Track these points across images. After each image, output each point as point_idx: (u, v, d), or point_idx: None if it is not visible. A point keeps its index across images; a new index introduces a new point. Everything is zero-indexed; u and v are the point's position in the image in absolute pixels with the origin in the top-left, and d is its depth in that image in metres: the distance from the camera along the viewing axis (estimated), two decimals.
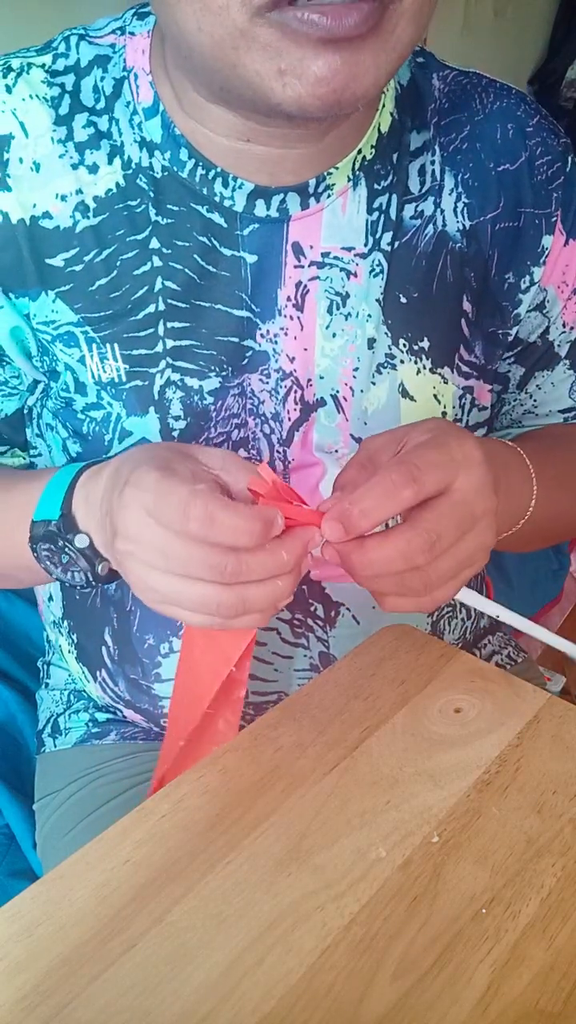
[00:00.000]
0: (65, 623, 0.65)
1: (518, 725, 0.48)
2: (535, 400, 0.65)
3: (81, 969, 0.35)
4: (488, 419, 0.62)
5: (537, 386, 0.64)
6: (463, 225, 0.55)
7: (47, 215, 0.50)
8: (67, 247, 0.50)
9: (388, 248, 0.53)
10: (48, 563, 0.48)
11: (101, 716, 0.67)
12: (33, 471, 0.59)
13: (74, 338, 0.52)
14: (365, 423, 0.56)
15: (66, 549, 0.47)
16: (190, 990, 0.35)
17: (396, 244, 0.54)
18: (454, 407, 0.58)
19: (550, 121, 0.57)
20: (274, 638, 0.61)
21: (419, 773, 0.44)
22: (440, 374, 0.56)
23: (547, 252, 0.57)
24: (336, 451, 0.56)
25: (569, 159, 0.57)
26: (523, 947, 0.37)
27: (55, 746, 0.67)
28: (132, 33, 0.51)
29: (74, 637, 0.64)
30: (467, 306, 0.56)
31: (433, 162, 0.54)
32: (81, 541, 0.46)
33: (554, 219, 0.57)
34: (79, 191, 0.50)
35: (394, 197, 0.53)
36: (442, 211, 0.54)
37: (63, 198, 0.50)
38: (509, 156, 0.55)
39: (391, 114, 0.53)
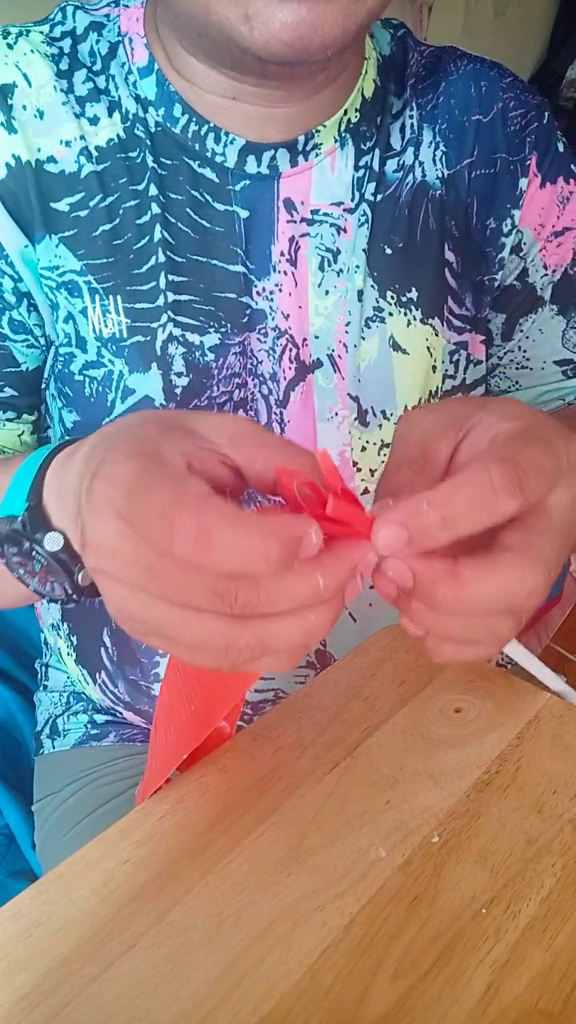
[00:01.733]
0: (64, 625, 0.65)
1: (518, 725, 0.48)
2: (525, 352, 0.64)
3: (81, 969, 0.35)
4: (484, 375, 0.62)
5: (524, 335, 0.63)
6: (442, 173, 0.56)
7: (52, 159, 0.51)
8: (71, 191, 0.51)
9: (371, 199, 0.55)
10: (20, 571, 0.38)
11: (100, 718, 0.67)
12: (6, 458, 0.52)
13: (77, 287, 0.52)
14: (359, 380, 0.56)
15: (35, 553, 0.37)
16: (190, 990, 0.35)
17: (379, 196, 0.55)
18: (444, 362, 0.58)
19: (523, 83, 0.59)
20: None
21: (419, 773, 0.44)
22: (431, 325, 0.57)
23: (524, 194, 0.58)
24: (336, 414, 0.56)
25: (545, 113, 0.59)
26: (523, 947, 0.36)
27: (53, 748, 0.67)
28: (126, 5, 0.53)
29: (73, 639, 0.64)
30: (450, 256, 0.57)
31: (411, 118, 0.56)
32: (52, 542, 0.37)
33: (528, 162, 0.58)
34: (82, 137, 0.51)
35: (376, 154, 0.55)
36: (421, 162, 0.56)
37: (67, 144, 0.51)
38: (482, 108, 0.57)
39: (374, 80, 0.55)
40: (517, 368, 0.65)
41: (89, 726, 0.67)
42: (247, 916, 0.37)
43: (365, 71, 0.55)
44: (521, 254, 0.60)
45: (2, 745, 0.76)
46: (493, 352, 0.64)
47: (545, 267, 0.61)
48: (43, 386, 0.58)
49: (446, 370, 0.58)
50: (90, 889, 0.38)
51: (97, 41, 0.52)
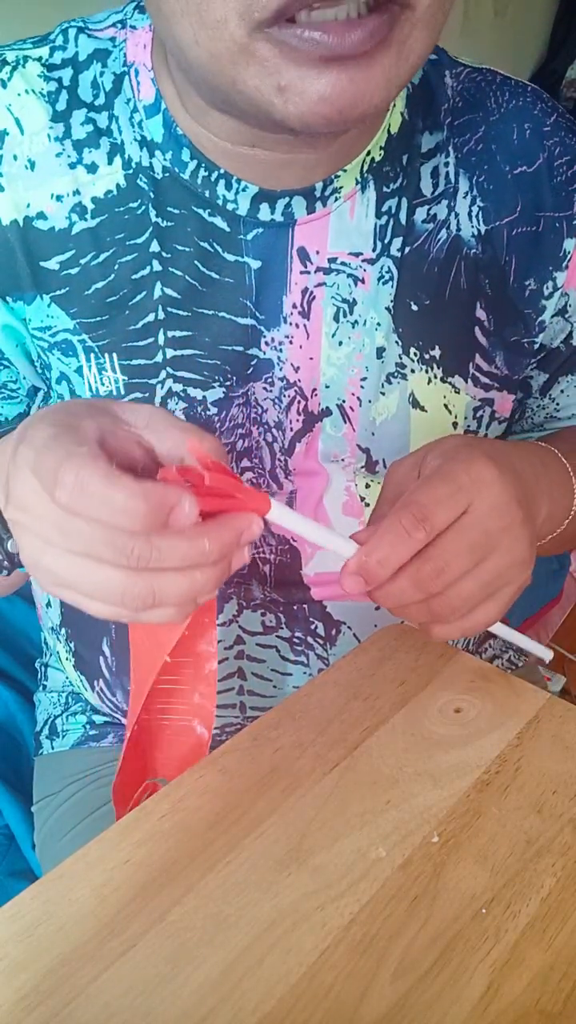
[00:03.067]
0: (63, 631, 0.64)
1: (518, 725, 0.48)
2: (558, 404, 0.63)
3: (81, 969, 0.35)
4: (506, 431, 0.61)
5: (561, 391, 0.62)
6: (478, 230, 0.53)
7: (41, 215, 0.48)
8: (62, 249, 0.49)
9: (398, 254, 0.51)
10: None
11: (99, 718, 0.67)
12: None
13: (71, 347, 0.51)
14: (373, 433, 0.55)
15: None
16: (190, 990, 0.35)
17: (407, 249, 0.52)
18: (467, 418, 0.56)
19: (567, 119, 0.55)
20: (273, 655, 0.60)
21: (419, 773, 0.44)
22: (451, 383, 0.55)
23: (569, 256, 0.55)
24: (343, 460, 0.55)
25: None
26: (523, 947, 0.36)
27: (52, 748, 0.67)
28: (133, 27, 0.49)
29: (72, 645, 0.64)
30: (481, 314, 0.54)
31: (447, 164, 0.52)
32: None
33: (572, 240, 0.54)
34: (76, 192, 0.48)
35: (404, 200, 0.51)
36: (456, 215, 0.52)
37: (59, 199, 0.48)
38: (526, 158, 0.53)
39: (401, 114, 0.51)
40: (546, 417, 0.64)
41: (88, 727, 0.67)
42: (247, 916, 0.37)
43: (394, 104, 0.50)
44: (567, 316, 0.57)
45: (2, 745, 0.76)
46: (529, 403, 0.63)
47: None
48: None
49: (467, 426, 0.57)
50: (90, 889, 0.38)
51: (101, 73, 0.49)
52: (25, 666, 0.81)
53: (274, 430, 0.54)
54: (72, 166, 0.48)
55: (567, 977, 0.35)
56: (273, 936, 0.36)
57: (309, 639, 0.60)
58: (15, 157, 0.48)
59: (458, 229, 0.52)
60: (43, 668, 0.73)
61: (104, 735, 0.66)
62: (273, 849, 0.40)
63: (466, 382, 0.55)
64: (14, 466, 0.34)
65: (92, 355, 0.51)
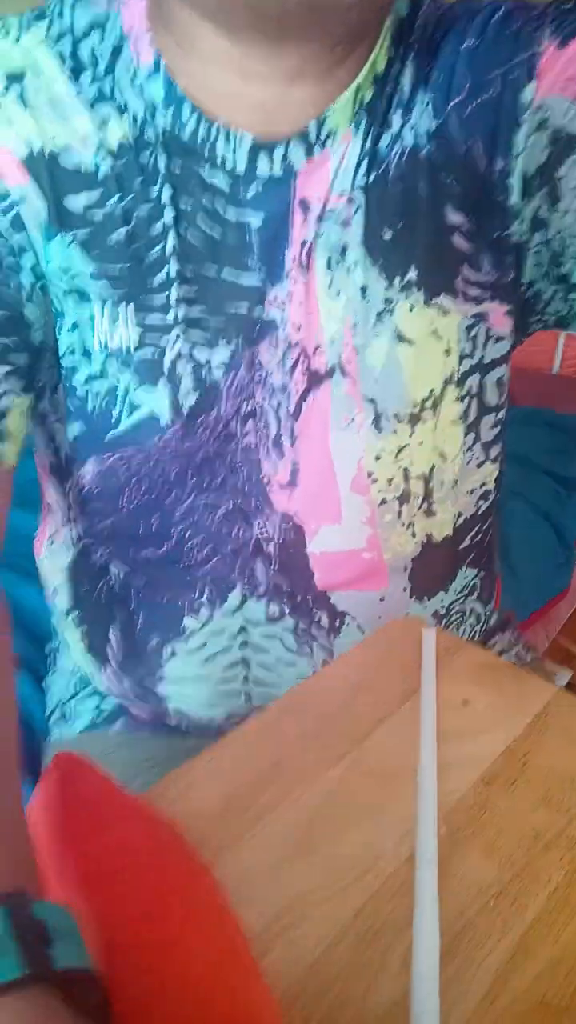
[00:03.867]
0: (72, 614, 0.65)
1: (526, 718, 0.48)
2: None
3: None
4: (509, 351, 0.56)
5: (567, 189, 0.50)
6: (429, 128, 0.49)
7: (68, 151, 0.48)
8: (89, 189, 0.48)
9: (364, 181, 0.49)
10: None
11: (108, 703, 0.67)
12: None
13: (87, 293, 0.50)
14: (375, 381, 0.53)
15: None
16: None
17: (370, 177, 0.49)
18: (460, 341, 0.53)
19: (540, 4, 0.50)
20: (277, 645, 0.60)
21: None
22: (438, 305, 0.52)
23: (529, 104, 0.48)
24: (352, 420, 0.53)
25: (555, 5, 0.49)
26: (530, 941, 0.36)
27: (62, 734, 0.67)
28: None
29: (82, 629, 0.64)
30: (456, 218, 0.51)
31: (405, 84, 0.50)
32: None
33: (536, 49, 0.48)
34: (99, 131, 0.48)
35: (372, 132, 0.49)
36: (412, 126, 0.50)
37: (83, 138, 0.48)
38: (475, 31, 0.49)
39: (387, 50, 0.49)
40: None
41: (97, 712, 0.67)
42: (253, 907, 0.37)
43: (381, 42, 0.49)
44: (545, 124, 0.49)
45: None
46: (553, 227, 0.51)
47: None
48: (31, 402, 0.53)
49: (463, 350, 0.54)
50: None
51: (100, 41, 0.49)
52: (38, 650, 0.81)
53: (279, 394, 0.53)
54: (91, 108, 0.48)
55: (574, 971, 0.35)
56: (279, 927, 0.36)
57: (312, 629, 0.60)
58: (37, 92, 0.48)
59: (414, 137, 0.50)
60: (53, 652, 0.73)
61: (114, 719, 0.66)
62: (279, 841, 0.40)
63: (455, 298, 0.52)
64: None
65: (108, 305, 0.50)
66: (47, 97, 0.48)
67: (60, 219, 0.49)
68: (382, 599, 0.60)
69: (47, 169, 0.48)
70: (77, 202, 0.49)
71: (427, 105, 0.50)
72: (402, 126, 0.50)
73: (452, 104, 0.49)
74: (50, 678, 0.73)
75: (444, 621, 0.64)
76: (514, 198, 0.51)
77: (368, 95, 0.49)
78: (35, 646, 0.81)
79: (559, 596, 1.25)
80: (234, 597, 0.59)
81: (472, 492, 0.60)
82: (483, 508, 0.62)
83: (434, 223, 0.51)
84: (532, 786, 0.43)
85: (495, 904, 0.38)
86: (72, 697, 0.68)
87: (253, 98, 0.47)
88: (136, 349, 0.51)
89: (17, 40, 0.48)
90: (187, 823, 0.41)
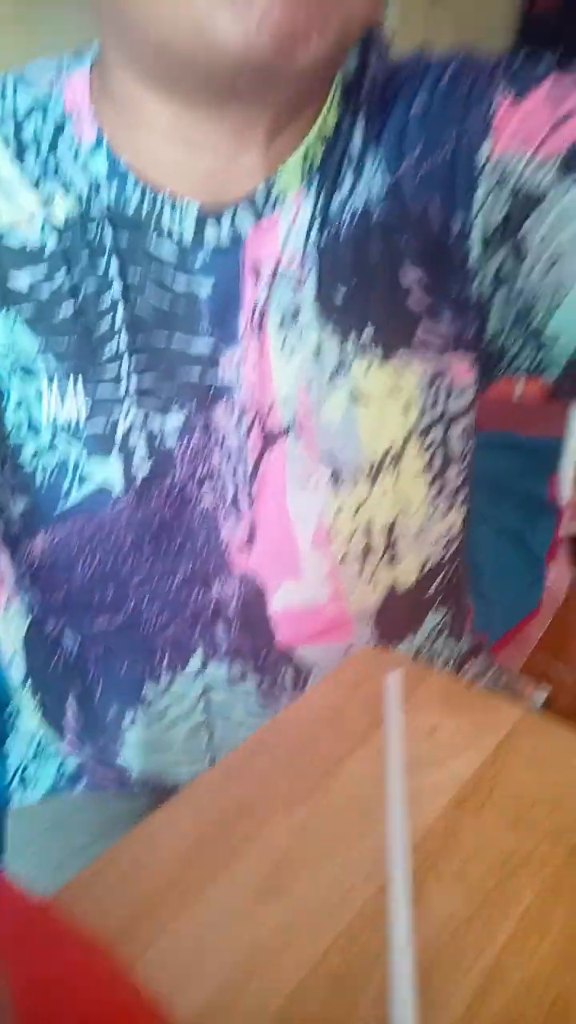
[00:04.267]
0: (27, 684, 0.63)
1: (493, 741, 0.48)
2: (549, 243, 0.48)
3: None
4: (473, 401, 0.56)
5: (540, 237, 0.48)
6: (382, 188, 0.49)
7: (13, 229, 0.49)
8: (34, 265, 0.49)
9: (316, 242, 0.49)
10: None
11: (69, 765, 0.65)
12: None
13: (34, 369, 0.50)
14: (329, 440, 0.53)
15: None
16: None
17: (322, 238, 0.49)
18: (421, 395, 0.53)
19: (472, 53, 0.51)
20: (240, 707, 0.60)
21: None
22: (396, 361, 0.52)
23: (483, 164, 0.48)
24: (310, 478, 0.54)
25: (511, 58, 0.49)
26: (504, 962, 0.37)
27: (23, 800, 0.66)
28: (70, 73, 0.50)
29: (37, 698, 0.63)
30: (414, 274, 0.50)
31: (355, 145, 0.50)
32: None
33: (490, 107, 0.48)
34: (44, 208, 0.49)
35: (324, 192, 0.49)
36: (365, 186, 0.49)
37: (29, 216, 0.49)
38: (427, 90, 0.49)
39: (337, 107, 0.49)
40: (551, 265, 0.49)
41: (59, 776, 0.65)
42: (224, 949, 0.37)
43: (330, 101, 0.49)
44: (503, 180, 0.48)
45: None
46: (519, 283, 0.51)
47: (544, 160, 0.47)
48: None
49: (424, 403, 0.53)
50: None
51: (43, 122, 0.49)
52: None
53: (235, 456, 0.53)
54: (35, 187, 0.49)
55: (548, 988, 0.36)
56: (251, 966, 0.36)
57: (276, 690, 0.59)
58: None
59: (368, 197, 0.49)
60: (11, 716, 0.72)
61: (76, 781, 0.64)
62: (248, 881, 0.40)
63: (414, 354, 0.52)
64: None
65: (56, 379, 0.50)
66: None
67: (4, 298, 0.49)
68: (348, 649, 0.59)
69: None
70: (22, 280, 0.49)
71: (379, 164, 0.49)
72: (353, 185, 0.49)
73: (405, 164, 0.49)
74: (9, 743, 0.71)
75: (416, 653, 0.64)
76: (474, 257, 0.50)
77: (318, 155, 0.49)
78: None
79: (530, 615, 1.26)
80: (195, 660, 0.58)
81: (439, 539, 0.60)
82: (450, 552, 0.62)
83: (389, 283, 0.50)
84: (500, 810, 0.44)
85: (467, 930, 0.38)
86: (32, 759, 0.67)
87: (199, 167, 0.47)
88: (86, 421, 0.51)
89: None
90: (154, 870, 0.41)
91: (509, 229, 0.49)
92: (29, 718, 0.66)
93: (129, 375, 0.51)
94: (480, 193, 0.49)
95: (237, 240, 0.49)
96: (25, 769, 0.67)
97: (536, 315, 0.50)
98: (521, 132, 0.48)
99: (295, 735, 0.48)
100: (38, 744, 0.68)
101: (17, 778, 0.68)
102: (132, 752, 0.61)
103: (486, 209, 0.49)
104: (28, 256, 0.49)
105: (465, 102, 0.48)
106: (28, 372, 0.51)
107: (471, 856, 0.41)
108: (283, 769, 0.46)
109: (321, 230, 0.50)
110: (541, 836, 0.42)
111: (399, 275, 0.51)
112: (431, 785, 0.45)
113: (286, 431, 0.53)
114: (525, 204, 0.48)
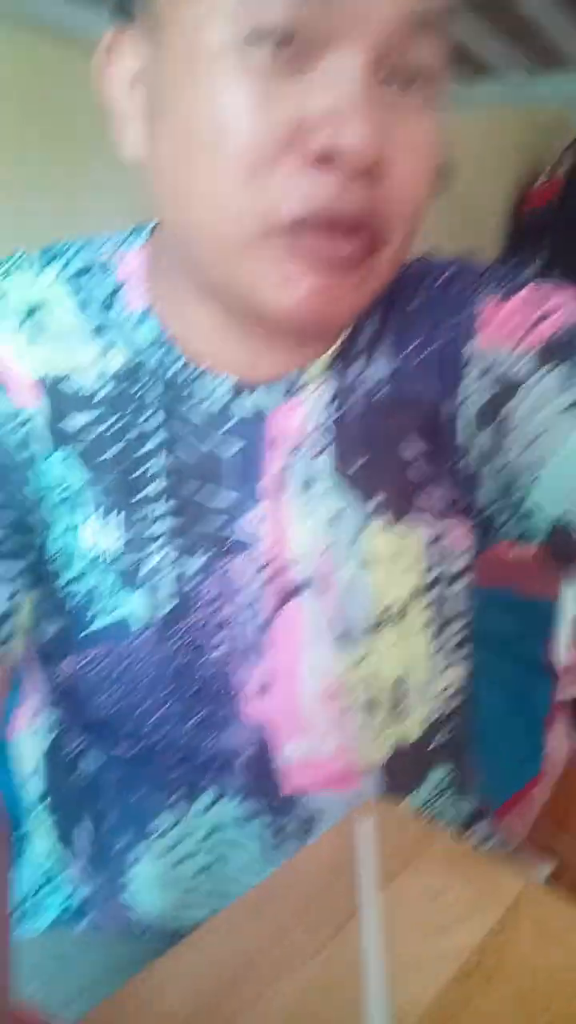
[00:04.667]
0: (45, 801, 0.64)
1: (498, 911, 0.47)
2: (524, 425, 0.53)
3: None
4: (469, 565, 0.61)
5: (519, 418, 0.53)
6: (387, 372, 0.56)
7: (72, 375, 0.54)
8: (88, 410, 0.54)
9: (336, 416, 0.55)
10: None
11: (75, 899, 0.64)
12: None
13: (81, 499, 0.54)
14: (343, 597, 0.56)
15: None
16: None
17: (341, 412, 0.55)
18: (425, 556, 0.58)
19: (473, 264, 0.58)
20: (258, 843, 0.60)
21: (400, 961, 0.43)
22: (403, 525, 0.57)
23: (469, 359, 0.55)
24: (323, 634, 0.56)
25: (492, 269, 0.57)
26: None
27: (25, 931, 0.64)
28: (127, 248, 0.56)
29: (53, 818, 0.63)
30: (416, 447, 0.56)
31: (370, 337, 0.57)
32: None
33: (479, 306, 0.55)
34: (98, 361, 0.54)
35: (342, 373, 0.56)
36: (374, 370, 0.56)
37: (87, 365, 0.54)
38: (423, 293, 0.57)
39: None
40: (530, 443, 0.53)
41: (64, 909, 0.64)
42: None
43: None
44: (486, 372, 0.55)
45: None
46: (501, 458, 0.56)
47: (523, 352, 0.53)
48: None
49: (428, 563, 0.58)
50: None
51: (99, 285, 0.55)
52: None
53: (249, 609, 0.56)
54: (95, 337, 0.55)
55: None
56: None
57: (285, 833, 0.60)
58: (49, 323, 0.54)
59: (376, 380, 0.56)
60: (20, 841, 0.71)
61: (80, 917, 0.63)
62: None
63: (419, 518, 0.57)
64: None
65: (102, 510, 0.54)
66: (57, 328, 0.54)
67: (60, 437, 0.54)
68: (355, 799, 0.60)
69: (52, 393, 0.54)
70: (77, 421, 0.54)
71: (385, 350, 0.57)
72: (363, 368, 0.56)
73: (406, 352, 0.56)
74: (18, 869, 0.70)
75: (423, 804, 0.64)
76: (463, 435, 0.56)
77: (339, 352, 0.56)
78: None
79: (533, 782, 1.24)
80: (206, 797, 0.59)
81: (442, 694, 0.62)
82: (453, 706, 0.64)
83: (394, 455, 0.56)
84: (508, 984, 0.43)
85: None
86: (37, 891, 0.66)
87: (236, 354, 0.53)
88: (121, 554, 0.54)
89: (38, 275, 0.56)
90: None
91: (492, 412, 0.55)
92: (41, 841, 0.66)
93: (163, 517, 0.55)
94: (466, 382, 0.55)
95: (261, 415, 0.55)
96: (30, 899, 0.66)
97: (519, 488, 0.55)
98: (504, 329, 0.54)
99: (300, 890, 0.48)
100: (45, 874, 0.67)
101: (21, 908, 0.66)
102: (138, 887, 0.60)
103: (472, 397, 0.55)
104: (83, 400, 0.54)
105: (457, 302, 0.56)
106: (73, 504, 0.55)
107: None
108: (293, 921, 0.45)
109: (338, 407, 0.56)
110: (551, 1017, 0.41)
111: (401, 449, 0.56)
112: (436, 954, 0.44)
113: (301, 588, 0.56)
114: (506, 390, 0.54)
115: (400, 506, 0.56)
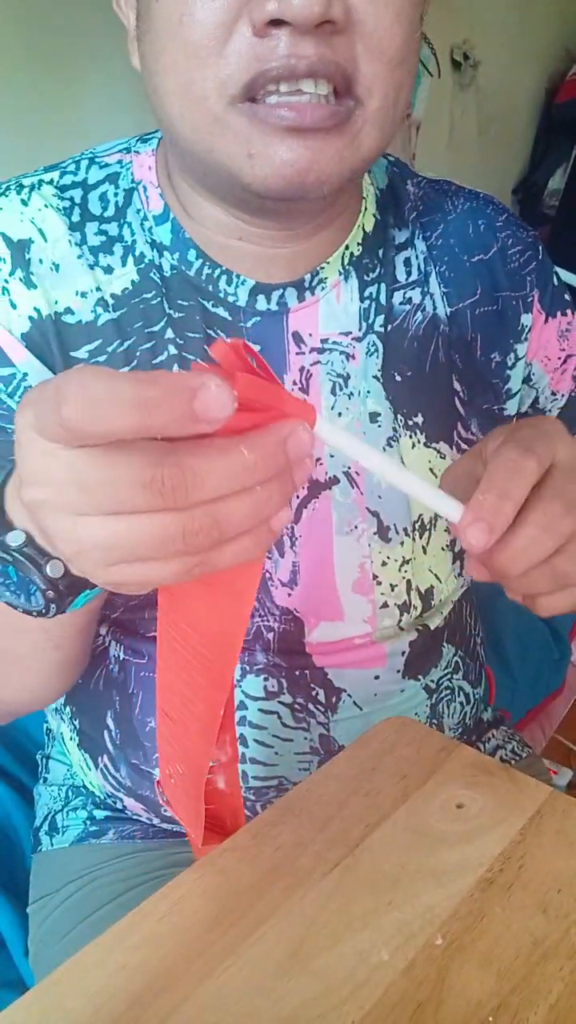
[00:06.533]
0: (67, 708, 0.65)
1: (520, 821, 0.47)
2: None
3: None
4: None
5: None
6: (445, 312, 0.60)
7: (69, 311, 0.53)
8: (90, 339, 0.53)
9: (381, 330, 0.57)
10: None
11: (99, 813, 0.66)
12: None
13: None
14: (379, 496, 0.58)
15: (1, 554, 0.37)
16: None
17: (389, 327, 0.58)
18: None
19: (516, 217, 0.64)
20: (275, 722, 0.61)
21: (421, 871, 0.44)
22: (436, 448, 0.60)
23: (527, 329, 0.62)
24: (355, 527, 0.58)
25: (540, 247, 0.63)
26: None
27: (52, 845, 0.66)
28: (137, 152, 0.56)
29: (76, 723, 0.64)
30: (457, 386, 0.60)
31: (417, 256, 0.60)
32: (15, 538, 0.37)
33: (530, 299, 0.62)
34: (98, 288, 0.53)
35: (383, 286, 0.58)
36: (432, 297, 0.59)
37: (83, 295, 0.53)
38: (482, 248, 0.61)
39: (374, 215, 0.59)
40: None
41: (88, 822, 0.65)
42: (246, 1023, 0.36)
43: (365, 207, 0.58)
44: (532, 383, 0.64)
45: None
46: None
47: (554, 393, 0.66)
48: None
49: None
50: (85, 998, 0.37)
51: (114, 192, 0.54)
52: (24, 762, 0.80)
53: None
54: (91, 267, 0.53)
55: None
56: None
57: (310, 706, 0.61)
58: (41, 261, 0.53)
59: (433, 310, 0.59)
60: (44, 760, 0.72)
61: (104, 831, 0.65)
62: (273, 953, 0.39)
63: (450, 448, 0.60)
64: (18, 446, 0.30)
65: None
66: (51, 262, 0.53)
67: (70, 366, 0.53)
68: (376, 677, 0.62)
69: (53, 329, 0.52)
70: (82, 352, 0.53)
71: (442, 291, 0.60)
72: (423, 298, 0.59)
73: (468, 301, 0.60)
74: (40, 787, 0.72)
75: (435, 696, 0.65)
76: (511, 383, 0.62)
77: (357, 251, 0.57)
78: (22, 758, 0.80)
79: (554, 694, 1.24)
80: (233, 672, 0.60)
81: (459, 597, 0.66)
82: (468, 606, 0.68)
83: (442, 385, 0.59)
84: (529, 892, 0.43)
85: (495, 1018, 0.37)
86: (63, 807, 0.67)
87: (249, 254, 0.53)
88: None
89: (26, 203, 0.53)
90: (179, 935, 0.40)
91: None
92: (65, 749, 0.67)
93: None
94: (513, 384, 0.62)
95: (283, 310, 0.55)
96: (55, 814, 0.68)
97: None
98: (543, 352, 0.63)
99: (321, 805, 0.48)
100: (68, 792, 0.68)
101: (47, 823, 0.68)
102: None
103: (516, 400, 0.63)
104: (84, 329, 0.53)
105: (513, 282, 0.61)
106: None
107: (499, 940, 0.40)
108: (309, 839, 0.45)
109: (386, 321, 0.58)
110: (571, 922, 0.41)
111: (451, 383, 0.60)
112: (458, 863, 0.44)
113: (331, 482, 0.57)
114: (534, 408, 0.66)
115: (435, 432, 0.59)
